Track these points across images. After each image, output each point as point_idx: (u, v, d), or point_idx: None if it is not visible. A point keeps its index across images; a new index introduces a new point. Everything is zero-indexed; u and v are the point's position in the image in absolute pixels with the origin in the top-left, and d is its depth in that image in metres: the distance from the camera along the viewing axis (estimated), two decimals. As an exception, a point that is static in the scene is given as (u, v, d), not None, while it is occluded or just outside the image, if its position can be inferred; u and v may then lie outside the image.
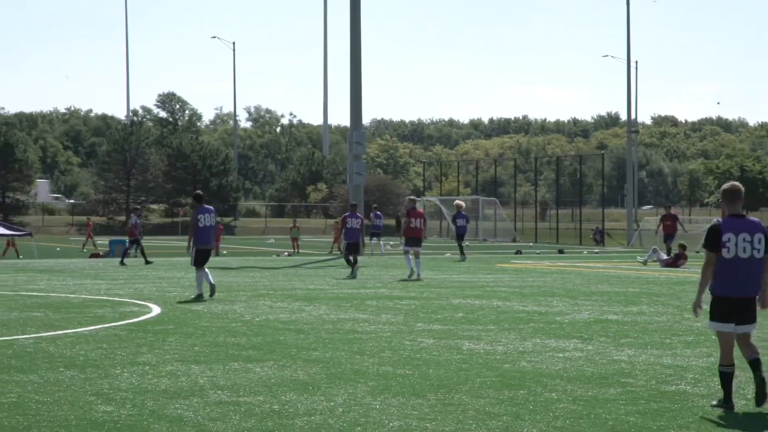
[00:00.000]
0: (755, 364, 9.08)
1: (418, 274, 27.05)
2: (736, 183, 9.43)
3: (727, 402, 9.11)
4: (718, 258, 9.09)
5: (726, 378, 9.14)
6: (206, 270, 20.40)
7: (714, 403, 9.21)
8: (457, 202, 39.93)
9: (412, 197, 31.11)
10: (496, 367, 11.39)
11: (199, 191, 22.24)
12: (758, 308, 9.28)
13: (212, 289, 20.28)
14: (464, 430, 8.18)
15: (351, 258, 28.77)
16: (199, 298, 20.01)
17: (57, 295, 21.25)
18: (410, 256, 27.64)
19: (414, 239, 28.00)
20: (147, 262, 35.23)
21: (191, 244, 20.64)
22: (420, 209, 28.96)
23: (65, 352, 12.43)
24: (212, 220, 20.81)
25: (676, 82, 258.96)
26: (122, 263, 34.68)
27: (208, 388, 9.97)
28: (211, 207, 21.37)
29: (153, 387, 10.01)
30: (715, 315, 9.28)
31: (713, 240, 9.10)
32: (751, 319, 9.22)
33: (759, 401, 9.02)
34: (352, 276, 27.70)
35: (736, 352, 9.24)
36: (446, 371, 11.05)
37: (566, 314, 17.38)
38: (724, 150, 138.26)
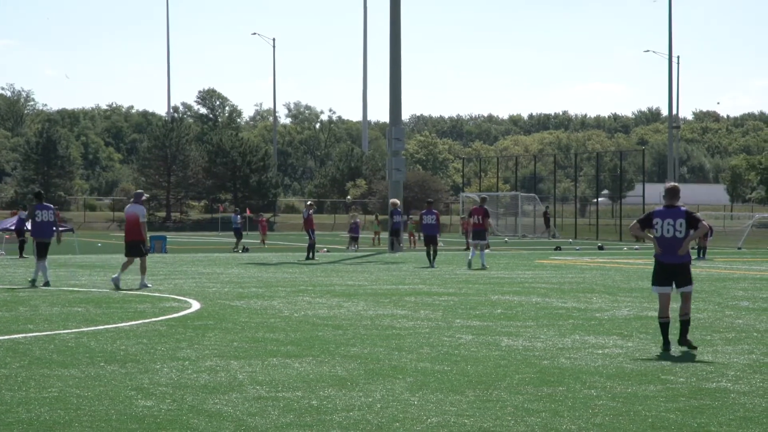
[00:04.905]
0: (684, 325, 12.44)
1: (482, 264, 30.05)
2: (675, 184, 12.70)
3: (665, 346, 12.28)
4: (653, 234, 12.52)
5: (663, 327, 12.43)
6: (45, 263, 23.00)
7: (660, 350, 12.23)
8: (392, 200, 43.06)
9: (483, 196, 35.60)
10: (535, 363, 11.35)
11: (40, 190, 24.81)
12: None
13: (46, 281, 22.67)
14: (502, 427, 8.16)
15: (429, 250, 31.94)
16: (47, 284, 22.44)
17: (98, 291, 21.43)
18: (475, 250, 31.10)
19: (475, 232, 31.32)
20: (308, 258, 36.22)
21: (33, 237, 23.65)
22: (484, 206, 31.83)
23: (106, 347, 12.53)
24: (49, 215, 23.37)
25: (718, 78, 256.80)
26: (311, 257, 36.09)
27: (247, 383, 10.01)
28: (50, 204, 23.92)
29: (192, 382, 10.07)
30: (654, 278, 12.63)
31: (645, 220, 12.64)
32: (686, 282, 12.47)
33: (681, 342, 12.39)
34: (431, 266, 31.06)
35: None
36: (485, 367, 11.03)
37: (606, 311, 17.30)
38: (767, 145, 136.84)
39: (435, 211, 33.11)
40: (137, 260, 23.01)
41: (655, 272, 12.61)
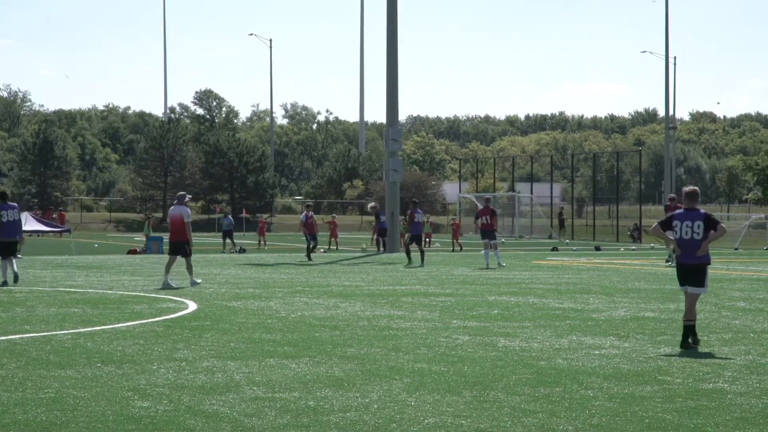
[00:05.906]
0: (687, 329, 12.68)
1: (498, 263, 31.08)
2: (695, 187, 13.24)
3: (683, 343, 12.63)
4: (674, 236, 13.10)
5: (685, 329, 12.71)
6: (13, 260, 23.36)
7: (681, 345, 12.64)
8: (371, 204, 44.94)
9: (487, 197, 36.44)
10: (532, 364, 11.36)
11: (4, 190, 24.88)
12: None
13: (15, 277, 23.14)
14: (499, 428, 8.17)
15: (415, 248, 32.71)
16: (4, 284, 22.72)
17: (95, 291, 21.42)
18: (487, 250, 31.35)
19: (484, 232, 31.77)
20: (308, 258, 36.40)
21: None
22: (490, 206, 32.50)
23: (103, 348, 12.53)
24: (15, 215, 23.64)
25: (715, 78, 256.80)
26: (309, 258, 36.22)
27: (244, 384, 10.01)
28: (15, 204, 24.24)
29: (189, 383, 10.07)
30: (678, 278, 13.16)
31: (666, 221, 13.24)
32: (697, 283, 12.96)
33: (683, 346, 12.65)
34: (421, 265, 31.66)
35: None
36: (481, 368, 11.03)
37: (602, 311, 17.31)
38: (764, 146, 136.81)
39: (420, 211, 34.27)
40: (182, 259, 23.44)
41: (677, 272, 13.28)
